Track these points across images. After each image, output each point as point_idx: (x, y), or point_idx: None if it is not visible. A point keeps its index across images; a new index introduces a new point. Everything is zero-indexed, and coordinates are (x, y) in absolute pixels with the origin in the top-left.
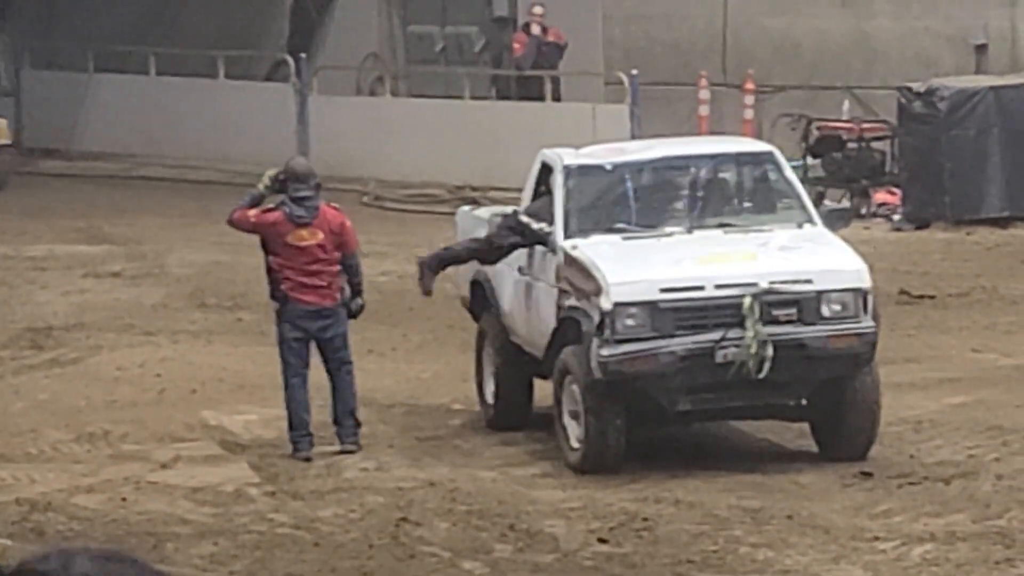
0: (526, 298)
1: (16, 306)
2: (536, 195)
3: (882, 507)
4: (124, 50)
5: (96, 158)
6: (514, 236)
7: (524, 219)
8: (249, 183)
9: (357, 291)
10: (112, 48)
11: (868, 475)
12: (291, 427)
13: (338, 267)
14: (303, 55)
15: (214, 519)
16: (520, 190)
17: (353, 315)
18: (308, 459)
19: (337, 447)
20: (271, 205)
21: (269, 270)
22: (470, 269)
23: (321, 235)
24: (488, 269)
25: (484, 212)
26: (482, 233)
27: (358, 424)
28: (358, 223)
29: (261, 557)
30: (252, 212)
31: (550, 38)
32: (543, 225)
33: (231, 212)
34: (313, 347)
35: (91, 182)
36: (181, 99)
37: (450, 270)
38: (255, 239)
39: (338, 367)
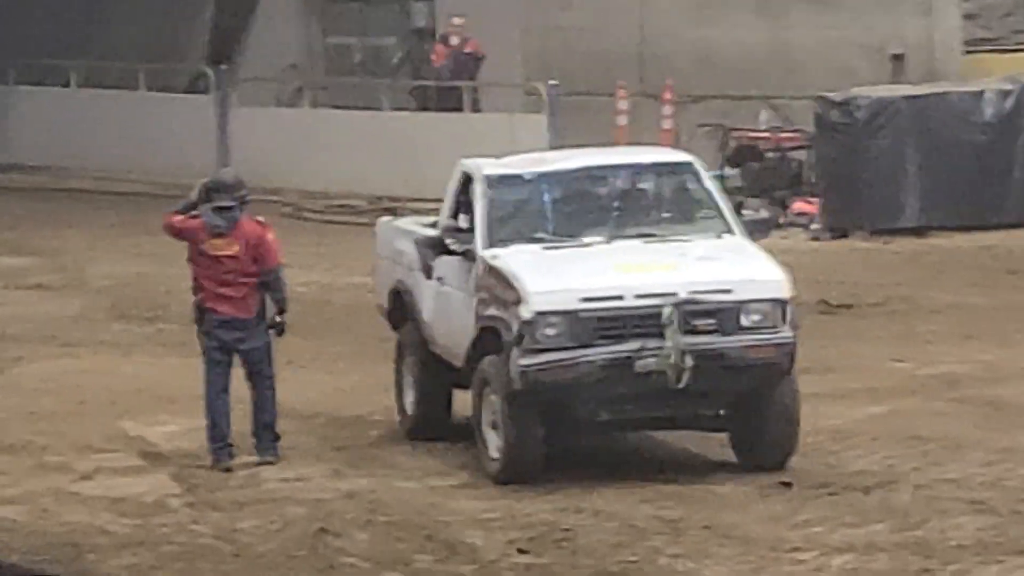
0: (446, 308)
1: None
2: (456, 205)
3: (801, 517)
4: (46, 63)
5: (18, 170)
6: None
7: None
8: (170, 195)
9: (280, 308)
10: (33, 61)
11: (787, 485)
12: (211, 438)
13: (255, 281)
14: (223, 67)
15: (134, 530)
16: (440, 200)
17: (277, 332)
18: (228, 470)
19: (257, 459)
20: (196, 213)
21: (194, 279)
22: (389, 279)
23: (237, 247)
24: (408, 278)
25: (404, 223)
26: (401, 244)
27: (277, 437)
28: (279, 235)
29: (182, 568)
30: (178, 218)
31: (468, 49)
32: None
33: (165, 217)
34: (237, 358)
35: (13, 194)
36: (103, 111)
37: (369, 279)
38: (177, 250)
39: (259, 381)
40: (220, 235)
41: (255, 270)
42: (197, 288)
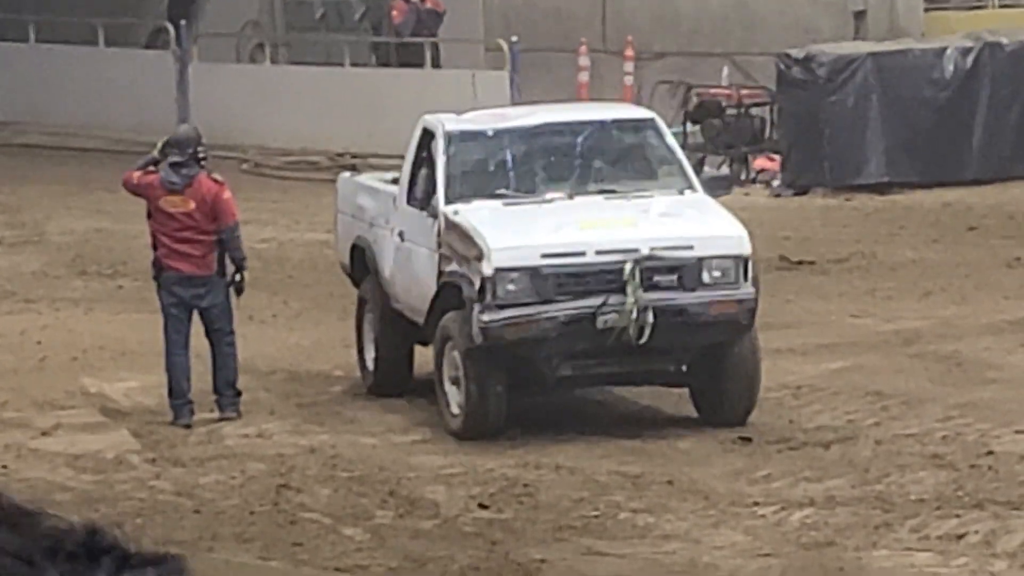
0: (407, 264)
1: None
2: (417, 161)
3: (762, 472)
4: (3, 17)
5: None
6: None
7: None
8: (131, 151)
9: (238, 266)
10: None
11: (748, 440)
12: (171, 395)
13: (213, 238)
14: (183, 22)
15: (95, 486)
16: (401, 157)
17: (237, 290)
18: (188, 426)
19: (218, 415)
20: (154, 169)
21: (152, 236)
22: (350, 235)
23: (193, 204)
24: (368, 234)
25: (365, 178)
26: (362, 200)
27: (238, 393)
28: (238, 191)
29: (142, 524)
30: (136, 174)
31: (429, 5)
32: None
33: (124, 174)
34: (196, 315)
35: None
36: (62, 66)
37: (330, 236)
38: (137, 207)
39: (218, 338)
40: (175, 192)
41: (212, 228)
42: (155, 245)
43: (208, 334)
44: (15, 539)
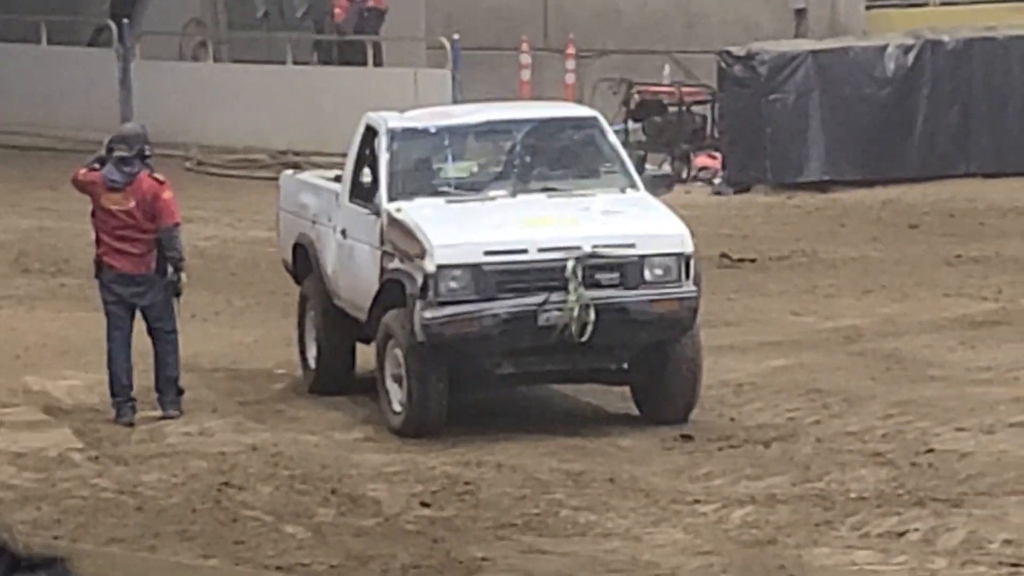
0: (349, 261)
1: None
2: (360, 158)
3: (703, 470)
4: None
5: None
6: None
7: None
8: (74, 149)
9: (175, 267)
10: None
11: (689, 438)
12: (112, 393)
13: (153, 237)
14: (126, 20)
15: (37, 484)
16: (343, 155)
17: (174, 292)
18: (130, 424)
19: (160, 412)
20: (97, 167)
21: (95, 233)
22: (292, 232)
23: (133, 202)
24: (311, 232)
25: (307, 176)
26: (304, 197)
27: (180, 392)
28: (181, 189)
29: (84, 522)
30: (82, 171)
31: (371, 3)
32: None
33: (73, 172)
34: (139, 313)
35: None
36: (4, 64)
37: (272, 233)
38: (80, 205)
39: (160, 336)
40: (116, 189)
41: (152, 227)
42: (98, 242)
43: (150, 332)
44: None
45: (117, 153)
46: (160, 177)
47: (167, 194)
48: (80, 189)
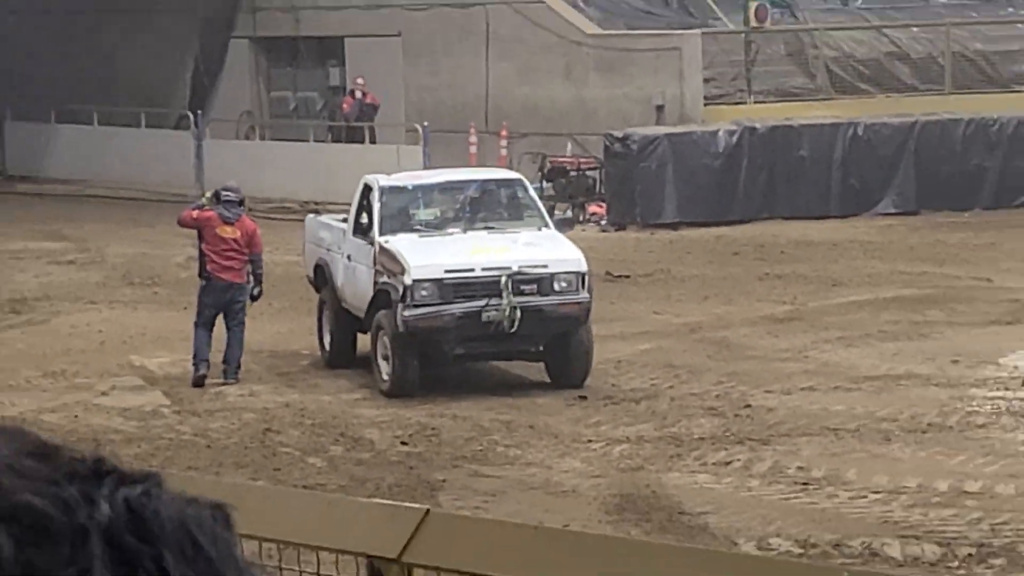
0: (353, 277)
1: (1, 284)
2: (360, 206)
3: (593, 419)
4: (75, 107)
5: (57, 182)
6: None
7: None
8: (161, 200)
9: (258, 280)
10: (66, 106)
11: (584, 398)
12: (194, 360)
13: (246, 259)
14: (199, 111)
15: (137, 429)
16: (348, 204)
17: (254, 298)
18: (202, 378)
19: (223, 380)
20: (207, 209)
21: (201, 255)
22: (314, 257)
23: (239, 233)
24: (326, 257)
25: (323, 218)
26: (322, 233)
27: (239, 367)
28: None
29: (170, 456)
30: (193, 213)
31: (368, 100)
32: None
33: (179, 215)
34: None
35: (53, 198)
36: (115, 141)
37: (300, 257)
38: (168, 237)
39: (234, 326)
40: (228, 223)
41: (247, 252)
42: (206, 261)
43: (227, 322)
44: (44, 467)
45: (226, 199)
46: (253, 219)
47: (259, 231)
48: (191, 225)
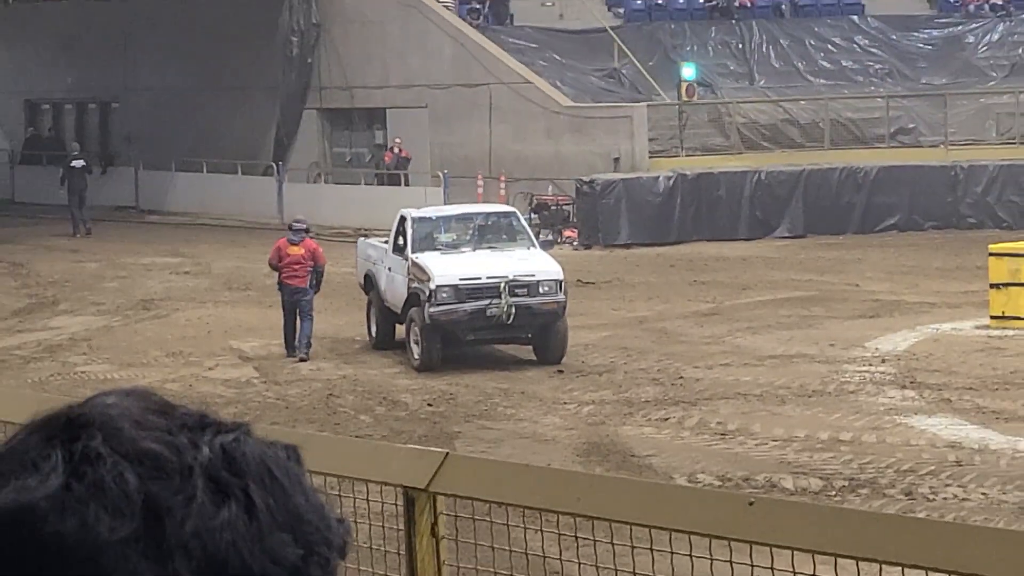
0: (392, 283)
1: (136, 288)
2: (397, 231)
3: (568, 387)
4: (189, 159)
5: (176, 215)
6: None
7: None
8: (253, 228)
9: (317, 284)
10: (183, 159)
11: (561, 371)
12: (286, 345)
13: (310, 270)
14: (280, 163)
15: (234, 395)
16: (388, 230)
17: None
18: (301, 358)
19: (297, 357)
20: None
21: (278, 271)
22: (363, 269)
23: (302, 251)
24: (373, 268)
25: (373, 240)
26: (369, 251)
27: (309, 346)
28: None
29: (259, 415)
30: (281, 240)
31: (403, 154)
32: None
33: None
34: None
35: (173, 226)
36: (218, 184)
37: (353, 268)
38: (262, 256)
39: (304, 318)
40: (294, 244)
41: (310, 264)
42: (281, 272)
43: (300, 315)
44: (162, 421)
45: (296, 227)
46: (315, 240)
47: (320, 249)
48: (274, 259)
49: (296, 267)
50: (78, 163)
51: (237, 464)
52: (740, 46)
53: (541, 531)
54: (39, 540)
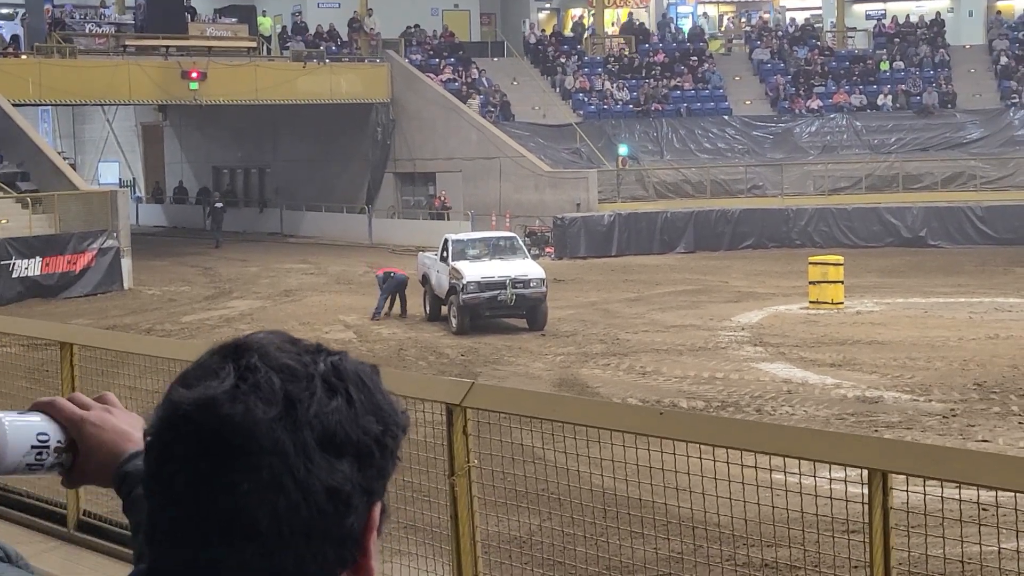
0: (439, 280)
1: (280, 283)
2: (442, 248)
3: (548, 345)
4: (312, 202)
5: (306, 238)
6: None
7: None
8: (352, 246)
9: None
10: (309, 201)
11: (543, 335)
12: (376, 312)
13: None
14: (370, 205)
15: (341, 346)
16: (437, 247)
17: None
18: (403, 314)
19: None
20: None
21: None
22: (421, 271)
23: (395, 265)
24: (427, 271)
25: (428, 253)
26: (425, 260)
27: (404, 314)
28: (389, 260)
29: (361, 354)
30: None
31: (446, 201)
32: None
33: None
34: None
35: (303, 245)
36: (331, 218)
37: (415, 271)
38: (359, 262)
39: (402, 297)
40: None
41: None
42: (384, 272)
43: (399, 298)
44: (293, 347)
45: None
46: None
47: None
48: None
49: (389, 269)
50: (219, 204)
51: (341, 373)
52: (655, 134)
53: (531, 431)
54: (219, 418)
